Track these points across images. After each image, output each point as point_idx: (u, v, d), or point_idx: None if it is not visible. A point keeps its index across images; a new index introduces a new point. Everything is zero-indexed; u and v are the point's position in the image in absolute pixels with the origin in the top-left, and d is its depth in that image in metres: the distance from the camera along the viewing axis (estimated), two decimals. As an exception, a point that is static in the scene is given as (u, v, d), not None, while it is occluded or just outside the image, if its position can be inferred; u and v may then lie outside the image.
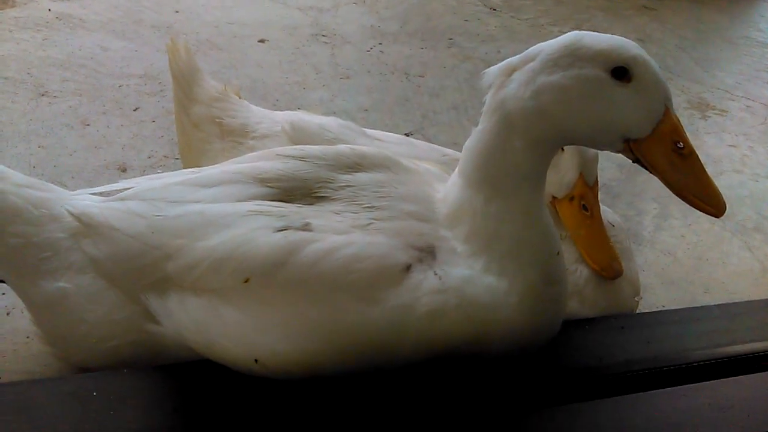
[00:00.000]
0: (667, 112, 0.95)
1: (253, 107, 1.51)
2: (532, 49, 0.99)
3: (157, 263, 0.99)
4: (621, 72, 0.94)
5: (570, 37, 0.97)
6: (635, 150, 0.96)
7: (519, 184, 1.00)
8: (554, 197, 1.33)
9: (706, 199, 0.96)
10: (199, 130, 1.46)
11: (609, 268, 1.29)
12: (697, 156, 0.96)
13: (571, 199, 1.31)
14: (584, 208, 1.30)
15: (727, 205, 0.97)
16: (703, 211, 0.97)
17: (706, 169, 0.97)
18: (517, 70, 0.99)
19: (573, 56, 0.95)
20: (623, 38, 0.97)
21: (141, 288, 1.00)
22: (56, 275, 1.05)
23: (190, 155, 1.50)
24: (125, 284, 1.02)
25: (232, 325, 0.95)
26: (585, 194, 1.30)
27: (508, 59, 1.01)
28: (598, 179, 1.35)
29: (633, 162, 0.99)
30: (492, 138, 1.00)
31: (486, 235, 1.00)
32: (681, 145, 0.95)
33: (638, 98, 0.94)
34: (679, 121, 0.96)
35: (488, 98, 1.02)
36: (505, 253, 0.99)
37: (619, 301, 1.30)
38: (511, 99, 0.97)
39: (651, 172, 0.98)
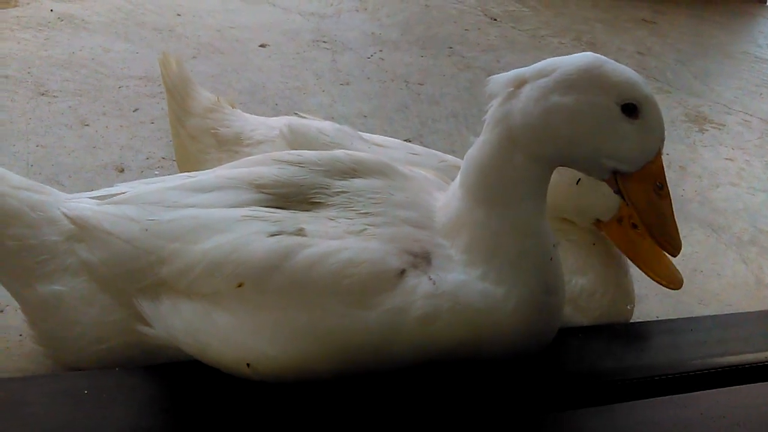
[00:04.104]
0: (659, 154, 1.00)
1: (247, 115, 1.51)
2: (547, 64, 0.98)
3: (150, 267, 0.98)
4: (631, 108, 0.96)
5: (589, 60, 0.97)
6: (620, 182, 1.00)
7: (520, 197, 1.00)
8: (598, 220, 1.30)
9: (667, 237, 1.04)
10: (196, 142, 1.46)
11: (675, 279, 1.27)
12: (670, 200, 1.03)
13: (619, 220, 1.28)
14: (633, 226, 1.27)
15: (682, 248, 1.06)
16: (662, 248, 1.08)
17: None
18: (528, 82, 0.98)
19: (590, 82, 0.95)
20: (638, 74, 0.99)
21: (133, 292, 1.00)
22: (52, 278, 1.04)
23: (188, 166, 1.49)
24: (118, 288, 1.02)
25: (224, 329, 0.95)
26: (633, 212, 1.27)
27: (519, 70, 1.00)
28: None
29: (615, 192, 1.03)
30: (493, 150, 1.00)
31: (486, 246, 1.00)
32: (660, 186, 1.00)
33: (639, 136, 0.97)
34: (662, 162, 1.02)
35: (492, 108, 1.01)
36: (504, 264, 0.99)
37: (613, 309, 1.31)
38: (519, 113, 0.97)
39: (628, 205, 1.03)
